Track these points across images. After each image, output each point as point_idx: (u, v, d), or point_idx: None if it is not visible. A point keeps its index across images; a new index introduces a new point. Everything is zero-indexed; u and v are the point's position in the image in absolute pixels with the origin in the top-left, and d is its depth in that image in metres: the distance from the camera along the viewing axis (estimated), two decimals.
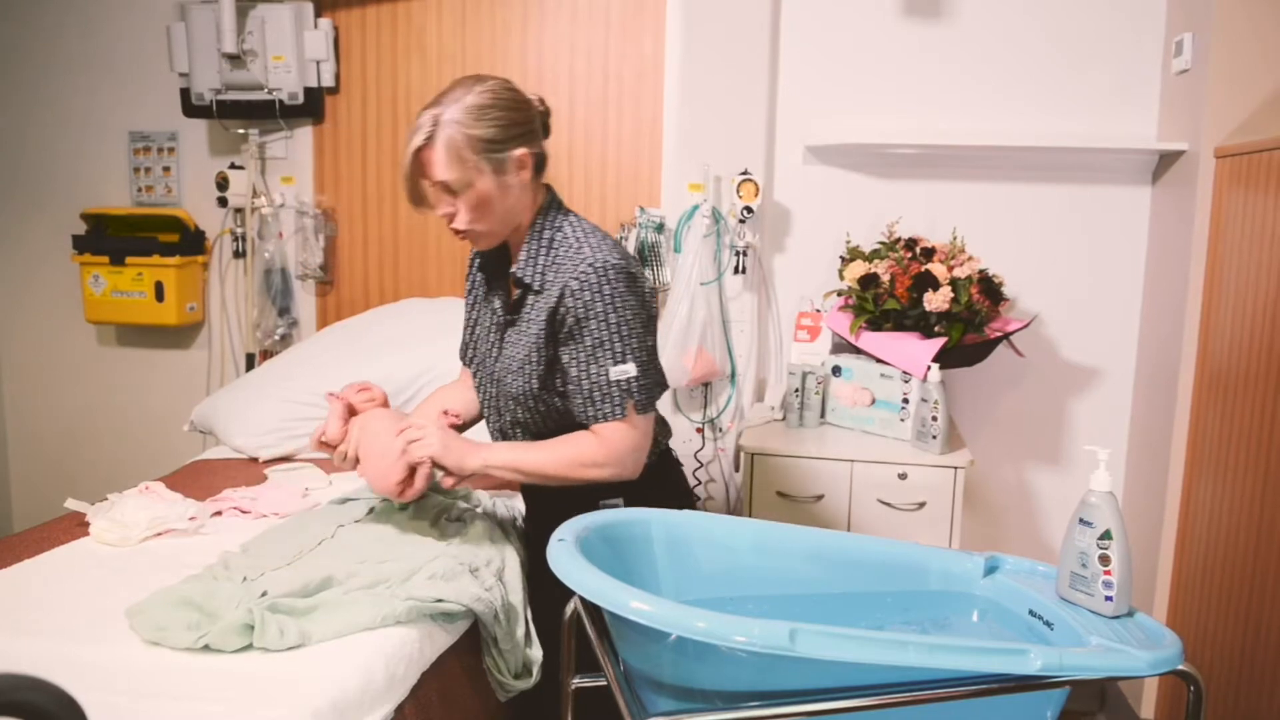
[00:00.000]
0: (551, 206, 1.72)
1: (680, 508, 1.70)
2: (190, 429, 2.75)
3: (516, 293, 1.71)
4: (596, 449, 1.63)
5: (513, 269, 1.69)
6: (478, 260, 1.84)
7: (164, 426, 3.34)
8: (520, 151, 1.63)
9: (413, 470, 1.65)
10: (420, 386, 2.56)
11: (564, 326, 1.62)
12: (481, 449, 1.66)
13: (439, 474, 1.68)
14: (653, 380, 1.67)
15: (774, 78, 2.87)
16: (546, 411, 1.69)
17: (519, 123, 1.64)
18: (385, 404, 1.82)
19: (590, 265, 1.60)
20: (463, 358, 1.89)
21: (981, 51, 2.79)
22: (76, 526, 1.91)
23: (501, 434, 1.79)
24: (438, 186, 1.60)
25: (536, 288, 1.66)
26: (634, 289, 1.63)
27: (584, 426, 1.66)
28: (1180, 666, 1.18)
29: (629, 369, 1.61)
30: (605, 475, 1.64)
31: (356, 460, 1.71)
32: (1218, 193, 2.38)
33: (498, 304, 1.76)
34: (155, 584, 1.51)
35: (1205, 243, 2.41)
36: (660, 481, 1.80)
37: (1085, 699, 2.82)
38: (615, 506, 1.68)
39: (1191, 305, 2.44)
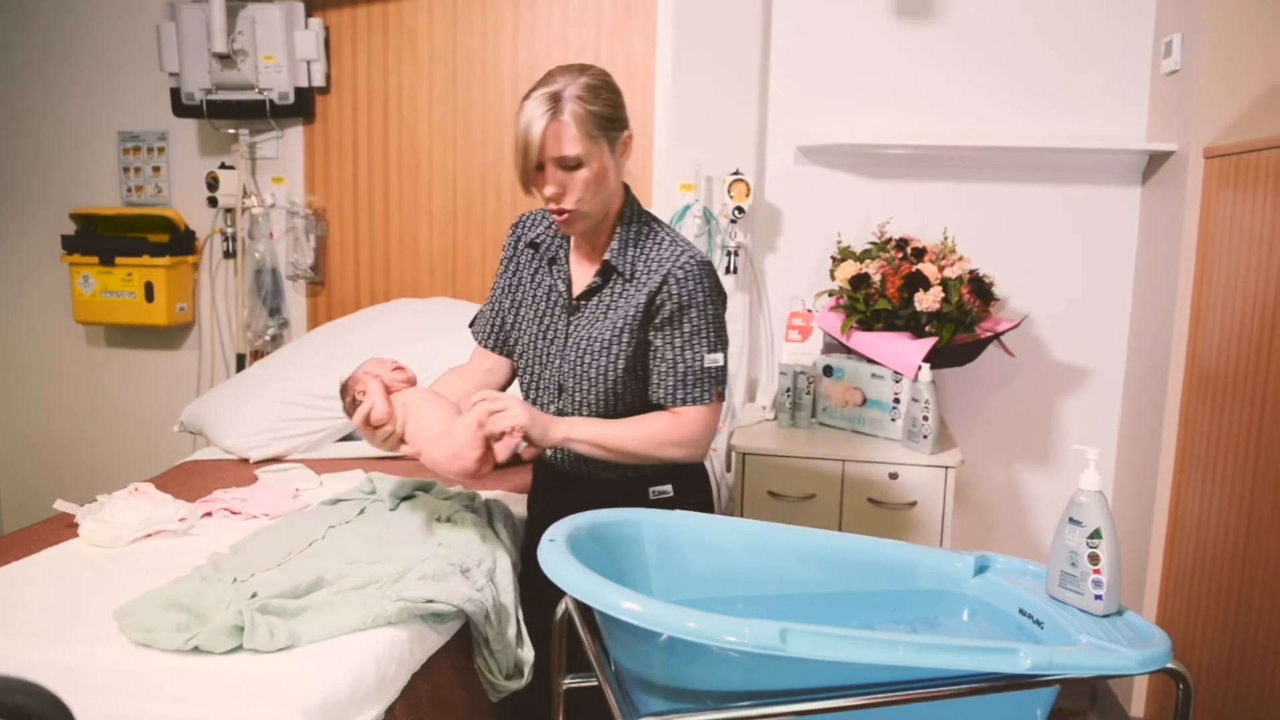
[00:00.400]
0: (635, 200, 1.79)
1: (710, 507, 1.81)
2: (180, 430, 2.74)
3: (592, 279, 1.74)
4: (677, 429, 1.70)
5: (606, 256, 1.72)
6: (522, 242, 1.85)
7: (154, 427, 3.33)
8: (627, 134, 1.70)
9: (488, 444, 1.61)
10: None
11: (660, 313, 1.69)
12: (563, 422, 1.67)
13: (521, 445, 1.64)
14: (727, 374, 1.79)
15: (765, 78, 2.88)
16: (622, 392, 1.73)
17: (622, 106, 1.70)
18: (414, 383, 1.78)
19: (693, 259, 1.70)
20: (484, 339, 1.89)
21: (972, 52, 2.79)
22: (66, 528, 1.90)
23: (559, 414, 1.78)
24: (554, 163, 1.61)
25: (627, 275, 1.72)
26: (721, 289, 1.76)
27: (658, 408, 1.73)
28: (1169, 665, 1.18)
29: (719, 358, 1.72)
30: (681, 455, 1.72)
31: (400, 440, 1.66)
32: (1207, 193, 2.39)
33: (560, 286, 1.77)
34: (145, 585, 1.50)
35: (1194, 243, 2.42)
36: (702, 479, 1.87)
37: (1076, 697, 2.83)
38: (665, 495, 1.79)
39: (1181, 305, 2.45)
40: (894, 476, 2.41)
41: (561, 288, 1.77)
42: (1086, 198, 2.79)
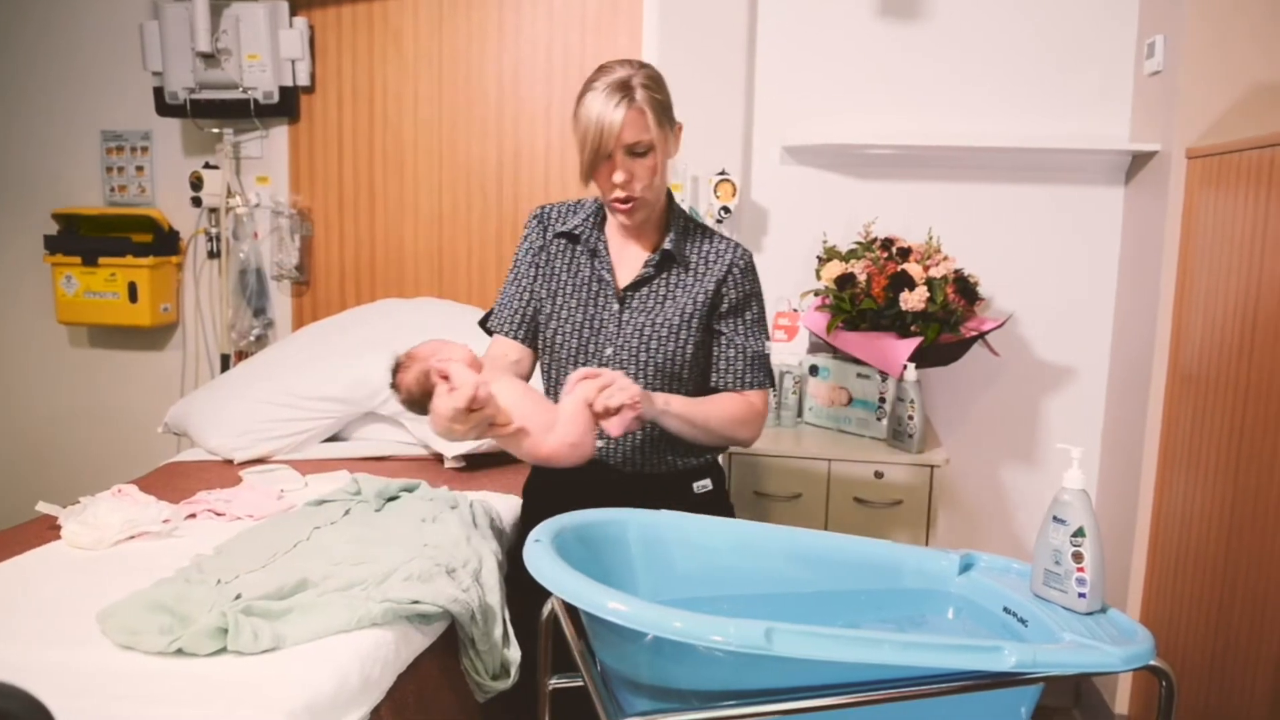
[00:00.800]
0: (672, 194, 1.88)
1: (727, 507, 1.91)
2: (164, 431, 2.73)
3: (643, 269, 1.79)
4: (747, 410, 1.80)
5: (666, 245, 1.78)
6: (551, 233, 1.87)
7: (137, 428, 3.31)
8: (679, 126, 1.77)
9: (597, 421, 1.55)
10: None
11: (725, 302, 1.80)
12: (659, 395, 1.69)
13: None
14: None
15: (751, 78, 2.88)
16: (686, 379, 1.80)
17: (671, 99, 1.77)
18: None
19: (748, 253, 1.84)
20: (512, 330, 1.87)
21: (957, 53, 2.80)
22: (48, 530, 1.89)
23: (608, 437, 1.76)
24: (624, 151, 1.66)
25: (686, 265, 1.80)
26: None
27: (713, 393, 1.81)
28: (1152, 662, 1.19)
29: (772, 347, 1.86)
30: (747, 436, 1.82)
31: (491, 425, 1.57)
32: (1189, 193, 2.40)
33: (606, 276, 1.80)
34: (128, 587, 1.49)
35: (1177, 243, 2.44)
36: (724, 477, 1.93)
37: (1060, 695, 2.85)
38: (706, 490, 1.85)
39: (1164, 305, 2.46)
40: (879, 476, 2.42)
41: (607, 277, 1.80)
42: (1070, 198, 2.81)
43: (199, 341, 3.33)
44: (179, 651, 1.34)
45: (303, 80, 3.07)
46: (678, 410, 1.69)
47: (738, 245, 1.83)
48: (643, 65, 1.70)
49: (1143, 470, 2.52)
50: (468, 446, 2.42)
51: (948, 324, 2.52)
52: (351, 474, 2.16)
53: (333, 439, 2.66)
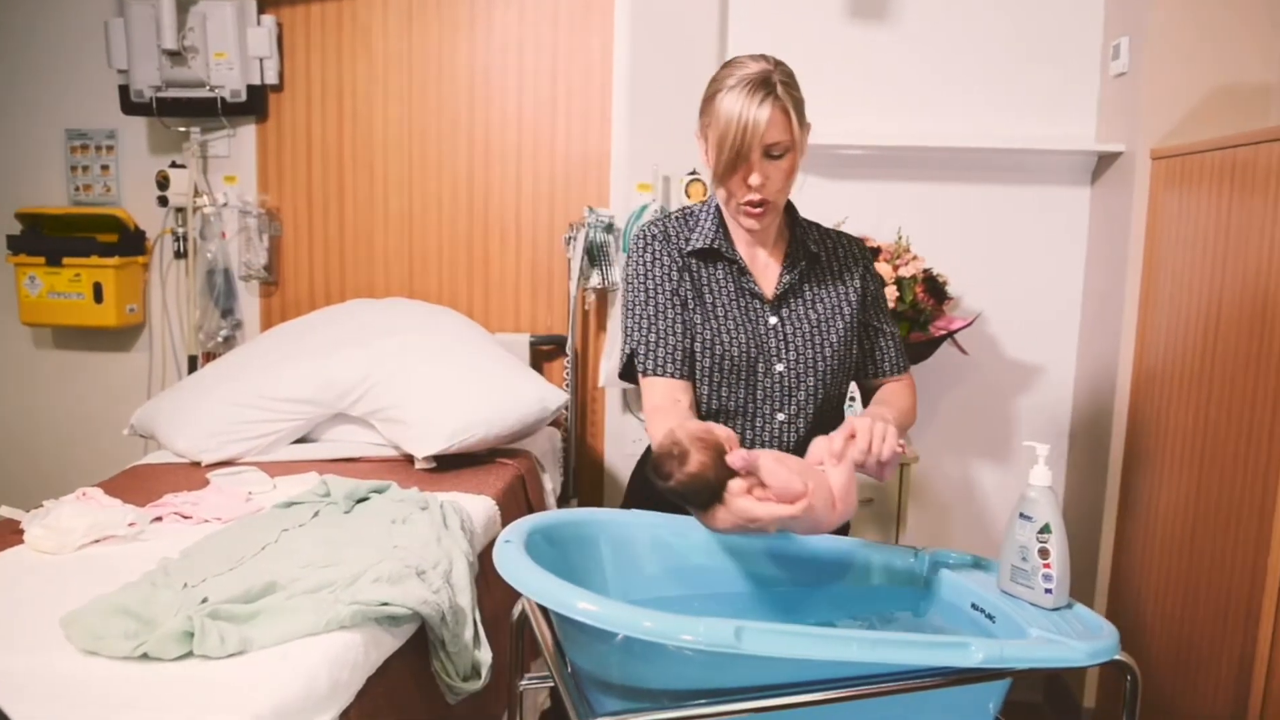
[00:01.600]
0: None
1: None
2: (130, 433, 2.70)
3: (785, 274, 1.68)
4: (913, 396, 1.77)
5: (812, 247, 1.71)
6: (682, 254, 1.66)
7: (103, 430, 3.27)
8: (809, 124, 1.64)
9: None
10: (368, 387, 2.53)
11: (867, 295, 1.74)
12: (885, 412, 1.57)
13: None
14: None
15: None
16: (845, 375, 1.73)
17: None
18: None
19: (860, 241, 1.79)
20: (677, 370, 1.62)
21: (926, 55, 2.82)
22: (11, 534, 1.86)
23: (775, 441, 1.65)
24: (763, 152, 1.54)
25: (823, 263, 1.72)
26: None
27: (867, 382, 1.77)
28: (1117, 656, 1.20)
29: None
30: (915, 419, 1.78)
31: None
32: (1154, 193, 2.43)
33: (754, 287, 1.66)
34: (92, 592, 1.47)
35: (1142, 243, 2.47)
36: None
37: (1030, 689, 2.87)
38: None
39: (1129, 304, 2.49)
40: None
41: (756, 288, 1.66)
42: (1038, 198, 2.84)
43: (166, 343, 3.29)
44: (144, 656, 1.32)
45: (271, 79, 3.04)
46: (895, 420, 1.54)
47: (851, 235, 1.79)
48: (778, 62, 1.58)
49: (1109, 467, 2.55)
50: (440, 447, 2.41)
51: (917, 323, 2.54)
52: (321, 476, 2.15)
53: (302, 440, 2.64)
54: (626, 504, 1.78)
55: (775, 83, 1.52)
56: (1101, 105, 2.74)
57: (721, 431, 1.36)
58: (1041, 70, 2.78)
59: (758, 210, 1.58)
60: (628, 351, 1.65)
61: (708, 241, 1.65)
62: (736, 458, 1.30)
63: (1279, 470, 1.84)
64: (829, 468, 1.38)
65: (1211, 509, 2.09)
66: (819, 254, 1.71)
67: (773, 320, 1.65)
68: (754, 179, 1.54)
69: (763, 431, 1.65)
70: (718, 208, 1.68)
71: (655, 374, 1.62)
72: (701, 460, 1.30)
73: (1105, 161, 2.71)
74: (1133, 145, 2.51)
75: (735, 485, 1.30)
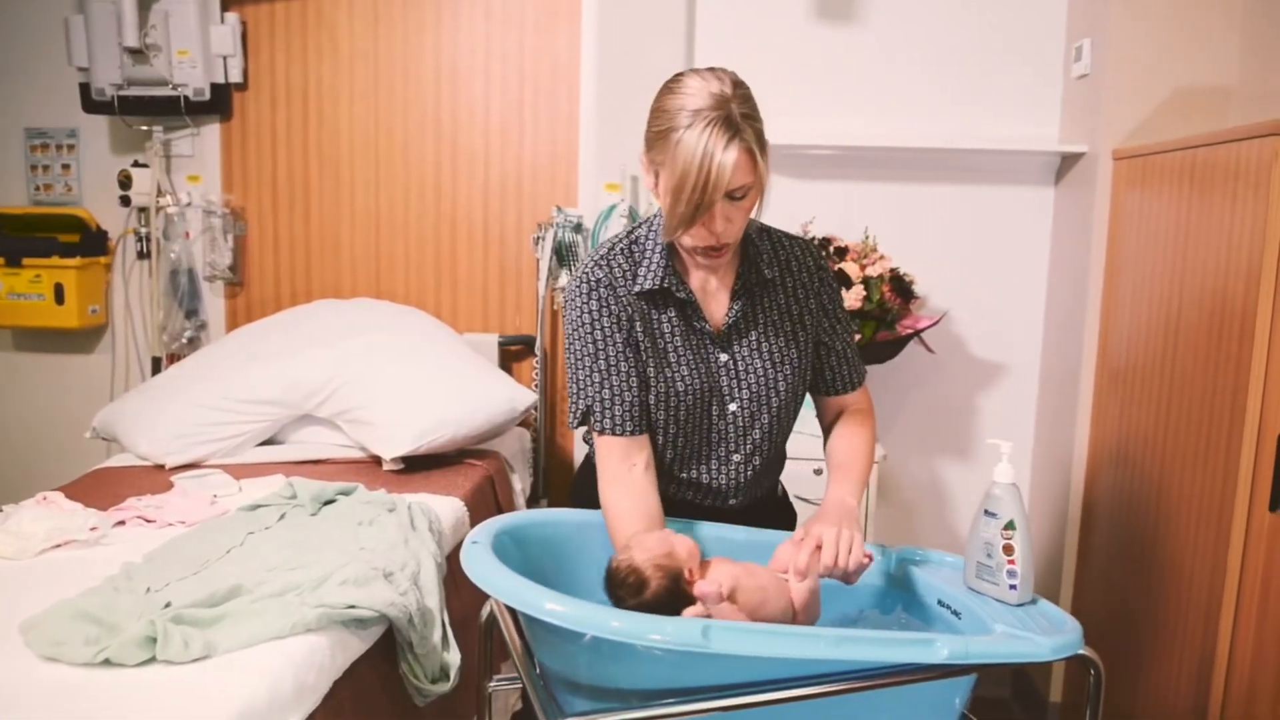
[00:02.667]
0: None
1: None
2: (92, 436, 2.66)
3: (732, 303, 1.55)
4: (869, 416, 1.65)
5: (766, 272, 1.56)
6: (630, 295, 1.53)
7: (64, 433, 3.22)
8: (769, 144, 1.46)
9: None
10: (335, 388, 2.51)
11: (823, 309, 1.61)
12: (844, 497, 1.49)
13: None
14: None
15: None
16: (802, 400, 1.62)
17: None
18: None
19: (812, 244, 1.64)
20: (634, 427, 1.51)
21: (892, 55, 2.84)
22: None
23: (731, 481, 1.60)
24: (726, 197, 1.37)
25: (772, 283, 1.58)
26: None
27: (823, 397, 1.66)
28: (1080, 651, 1.21)
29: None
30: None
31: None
32: (1116, 193, 2.46)
33: (701, 325, 1.54)
34: (53, 598, 1.45)
35: (1104, 242, 2.50)
36: None
37: (996, 685, 2.90)
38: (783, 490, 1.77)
39: (1092, 302, 2.52)
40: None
41: (704, 326, 1.54)
42: (1002, 198, 2.86)
43: (129, 344, 3.25)
44: (106, 662, 1.31)
45: (235, 77, 3.01)
46: (858, 493, 1.51)
47: (802, 240, 1.63)
48: (736, 82, 1.40)
49: (1073, 463, 2.58)
50: (408, 448, 2.39)
51: (884, 322, 2.56)
52: (287, 478, 2.13)
53: (268, 442, 2.62)
54: (575, 505, 1.70)
55: (737, 118, 1.35)
56: (1065, 106, 2.77)
57: (682, 550, 1.30)
58: (1006, 71, 2.81)
59: (716, 254, 1.46)
60: (582, 409, 1.53)
61: (657, 282, 1.51)
62: (701, 590, 1.25)
63: (1237, 467, 1.87)
64: (793, 582, 1.34)
65: (1173, 506, 2.12)
66: (771, 277, 1.57)
67: (723, 357, 1.55)
68: (718, 225, 1.40)
69: (719, 474, 1.59)
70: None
71: (612, 433, 1.50)
72: (658, 588, 1.27)
73: (1068, 162, 2.74)
74: (1095, 146, 2.54)
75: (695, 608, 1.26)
